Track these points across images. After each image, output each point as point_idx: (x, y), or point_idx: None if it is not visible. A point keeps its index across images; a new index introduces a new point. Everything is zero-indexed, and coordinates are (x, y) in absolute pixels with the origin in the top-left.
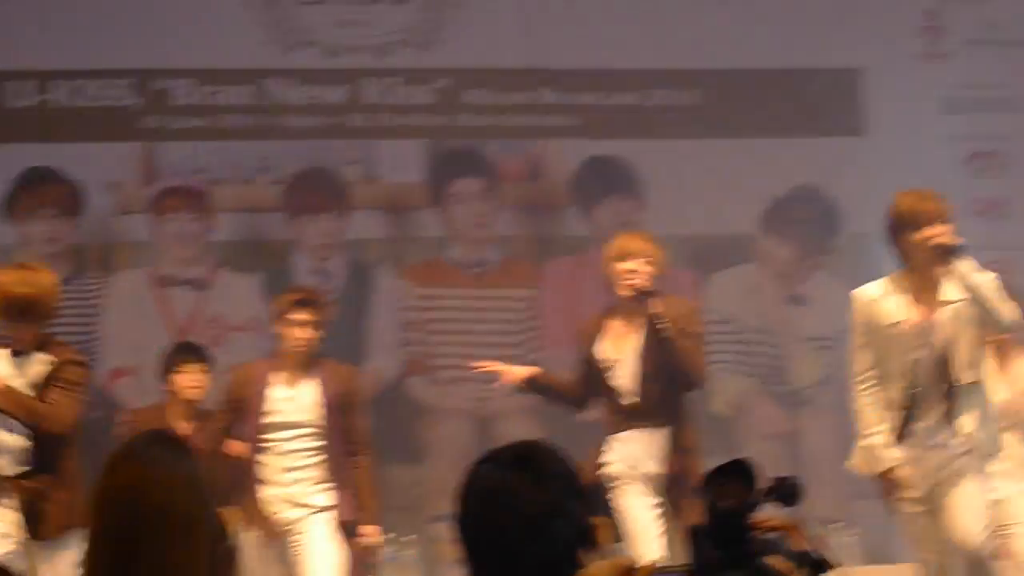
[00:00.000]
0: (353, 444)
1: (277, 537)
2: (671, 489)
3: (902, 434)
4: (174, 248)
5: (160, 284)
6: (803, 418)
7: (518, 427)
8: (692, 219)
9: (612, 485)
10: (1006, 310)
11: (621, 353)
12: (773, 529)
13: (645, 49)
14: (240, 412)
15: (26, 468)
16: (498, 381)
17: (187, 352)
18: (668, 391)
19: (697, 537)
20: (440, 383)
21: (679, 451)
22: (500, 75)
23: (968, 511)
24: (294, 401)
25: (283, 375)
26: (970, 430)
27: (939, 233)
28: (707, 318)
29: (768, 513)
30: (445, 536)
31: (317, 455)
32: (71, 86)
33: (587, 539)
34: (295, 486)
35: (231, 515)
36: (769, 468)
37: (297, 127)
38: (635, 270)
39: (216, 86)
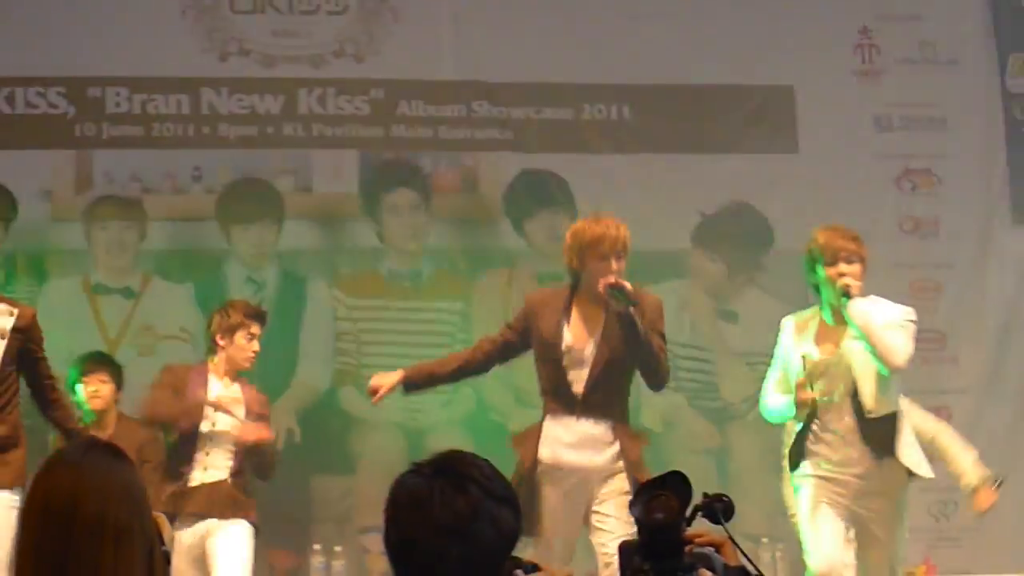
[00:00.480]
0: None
1: (196, 540)
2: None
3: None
4: (107, 256)
5: (93, 292)
6: (732, 434)
7: (450, 439)
8: None
9: (545, 474)
10: (895, 354)
11: (581, 340)
12: (704, 544)
13: (579, 64)
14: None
15: None
16: (376, 398)
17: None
18: (621, 386)
19: (626, 552)
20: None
21: (629, 441)
22: (435, 87)
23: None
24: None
25: (220, 386)
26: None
27: (846, 273)
28: None
29: (699, 528)
30: (374, 547)
31: (234, 465)
32: (3, 93)
33: (512, 544)
34: (215, 493)
35: (162, 521)
36: (697, 483)
37: (231, 136)
38: (613, 267)
39: (150, 94)
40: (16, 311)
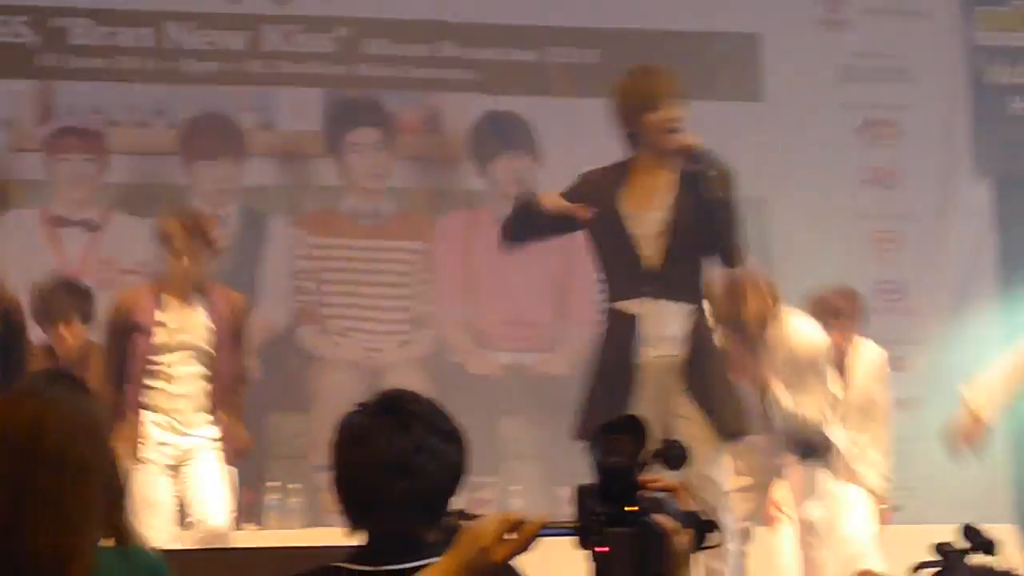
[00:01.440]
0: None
1: (164, 465)
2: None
3: None
4: (68, 188)
5: (52, 224)
6: None
7: (407, 380)
8: None
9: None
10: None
11: (648, 207)
12: (660, 489)
13: (546, 6)
14: (127, 336)
15: None
16: None
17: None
18: (696, 262)
19: (582, 495)
20: (330, 333)
21: (699, 334)
22: (400, 26)
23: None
24: (184, 324)
25: (172, 298)
26: None
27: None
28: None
29: (655, 473)
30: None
31: (204, 380)
32: None
33: (456, 476)
34: (181, 413)
35: (122, 451)
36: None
37: (195, 72)
38: (674, 118)
39: (115, 27)
40: None
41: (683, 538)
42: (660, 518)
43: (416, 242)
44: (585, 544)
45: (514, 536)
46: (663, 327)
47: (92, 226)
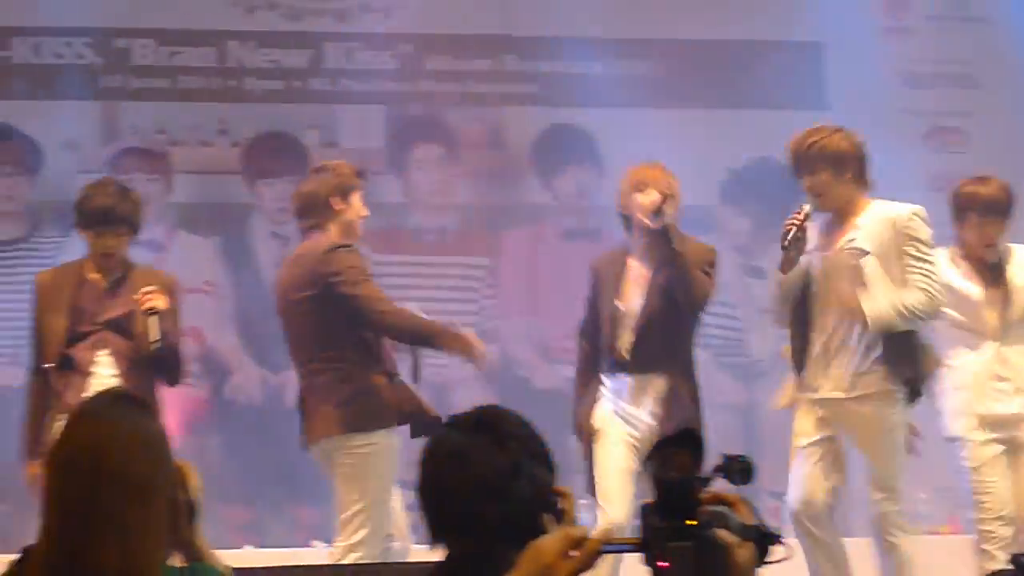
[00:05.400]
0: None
1: None
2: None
3: None
4: None
5: None
6: (758, 390)
7: (473, 394)
8: None
9: (596, 436)
10: None
11: (633, 296)
12: (719, 502)
13: (608, 18)
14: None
15: None
16: None
17: None
18: (672, 337)
19: (646, 511)
20: (396, 350)
21: (676, 403)
22: (462, 41)
23: None
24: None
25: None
26: None
27: None
28: None
29: (716, 487)
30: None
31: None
32: (32, 42)
33: (548, 502)
34: None
35: (187, 469)
36: (723, 440)
37: (257, 90)
38: (657, 200)
39: (177, 47)
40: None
41: (745, 552)
42: (721, 532)
43: (481, 257)
44: (648, 560)
45: (577, 553)
46: None
47: (157, 246)
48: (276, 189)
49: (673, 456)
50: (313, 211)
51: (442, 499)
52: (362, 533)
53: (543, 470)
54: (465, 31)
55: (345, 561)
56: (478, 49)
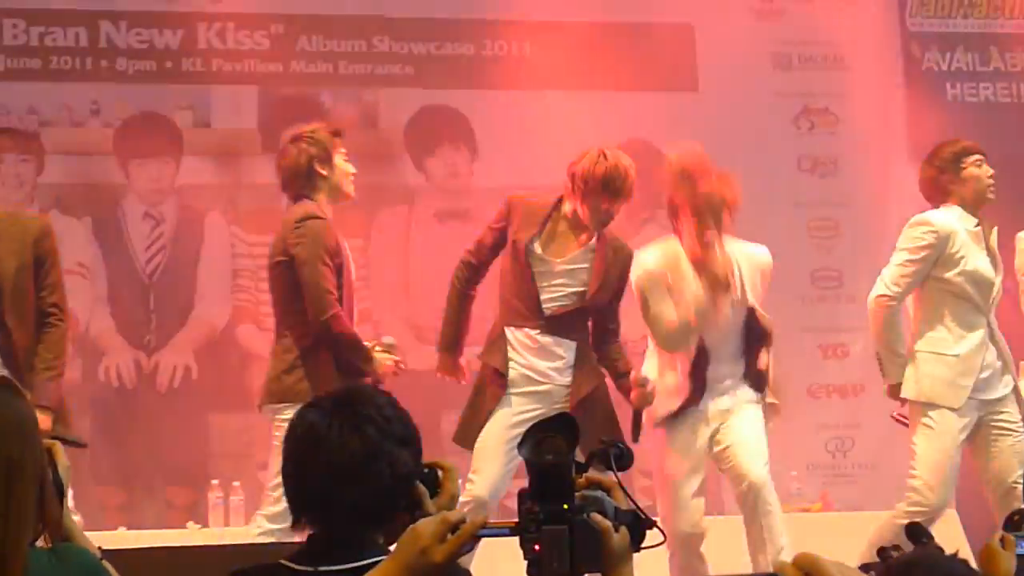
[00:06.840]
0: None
1: None
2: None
3: None
4: (3, 189)
5: None
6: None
7: None
8: (524, 171)
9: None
10: None
11: (561, 257)
12: (596, 487)
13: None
14: None
15: None
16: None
17: None
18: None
19: (521, 496)
20: (269, 331)
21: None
22: (335, 22)
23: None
24: None
25: None
26: None
27: None
28: None
29: (591, 473)
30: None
31: None
32: None
33: (409, 487)
34: None
35: (56, 449)
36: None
37: (130, 71)
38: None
39: (48, 26)
40: None
41: (620, 537)
42: (596, 516)
43: (354, 238)
44: (522, 543)
45: (454, 537)
46: None
47: None
48: (149, 169)
49: (547, 439)
50: (298, 181)
51: (299, 481)
52: (282, 505)
53: (405, 453)
54: (338, 12)
55: (260, 530)
56: (351, 30)
